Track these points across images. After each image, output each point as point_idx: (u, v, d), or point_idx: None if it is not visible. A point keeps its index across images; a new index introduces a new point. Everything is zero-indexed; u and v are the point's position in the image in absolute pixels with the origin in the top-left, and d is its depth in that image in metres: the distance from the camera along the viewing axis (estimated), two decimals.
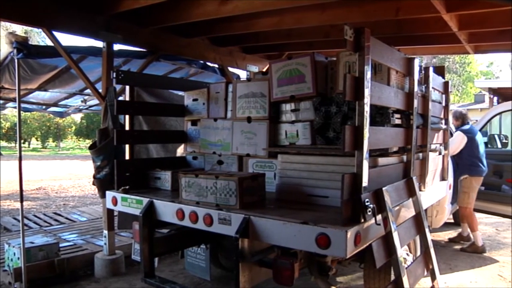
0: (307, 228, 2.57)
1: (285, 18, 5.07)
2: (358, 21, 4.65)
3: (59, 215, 7.64)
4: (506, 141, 6.97)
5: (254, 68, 6.97)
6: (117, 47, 5.13)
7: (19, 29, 24.41)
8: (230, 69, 7.05)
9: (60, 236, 6.01)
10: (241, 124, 3.95)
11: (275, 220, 2.74)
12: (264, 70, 6.51)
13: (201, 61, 6.60)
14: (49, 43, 4.88)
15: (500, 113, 7.03)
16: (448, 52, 11.22)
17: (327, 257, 3.27)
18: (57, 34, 4.60)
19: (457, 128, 6.01)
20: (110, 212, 4.83)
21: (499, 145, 6.89)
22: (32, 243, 4.77)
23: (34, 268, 4.55)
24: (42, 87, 6.52)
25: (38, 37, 29.18)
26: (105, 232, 4.94)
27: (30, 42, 4.68)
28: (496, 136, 7.23)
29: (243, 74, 7.41)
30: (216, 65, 6.85)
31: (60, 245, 5.15)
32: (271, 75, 3.71)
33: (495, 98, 14.58)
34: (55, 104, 8.24)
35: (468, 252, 5.86)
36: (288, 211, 2.96)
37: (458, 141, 5.78)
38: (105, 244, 4.97)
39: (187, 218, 3.24)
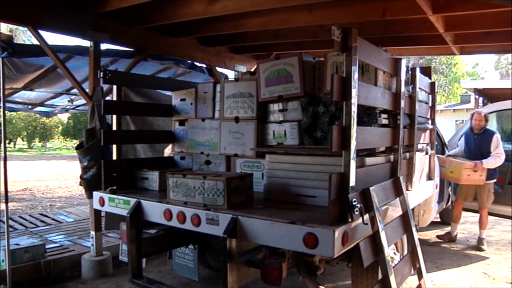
0: (295, 228, 2.58)
1: (273, 19, 5.08)
2: (345, 21, 4.67)
3: (46, 216, 7.55)
4: None
5: (242, 68, 6.97)
6: (104, 46, 5.09)
7: (4, 28, 24.16)
8: (218, 69, 7.04)
9: (47, 237, 5.95)
10: (229, 124, 3.95)
11: (263, 220, 2.74)
12: (252, 70, 6.51)
13: (189, 61, 6.58)
14: (35, 42, 4.82)
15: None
16: (434, 53, 11.36)
17: (315, 257, 3.28)
18: (43, 33, 4.56)
19: (487, 129, 5.94)
20: (97, 212, 4.79)
21: None
22: (18, 244, 4.72)
23: (19, 270, 4.50)
24: (27, 87, 6.45)
25: (24, 35, 28.89)
26: (92, 233, 4.91)
27: (15, 41, 4.63)
28: None
29: (231, 74, 7.41)
30: (204, 65, 6.84)
31: (47, 246, 5.10)
32: (259, 75, 3.71)
33: (481, 99, 14.78)
34: (41, 104, 8.15)
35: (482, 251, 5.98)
36: (276, 211, 2.97)
37: (501, 143, 5.82)
38: (92, 245, 4.93)
39: (174, 218, 3.23)
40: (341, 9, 4.68)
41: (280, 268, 2.89)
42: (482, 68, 43.04)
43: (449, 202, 6.53)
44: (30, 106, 8.42)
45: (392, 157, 3.60)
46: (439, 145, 6.34)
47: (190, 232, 3.26)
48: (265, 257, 3.04)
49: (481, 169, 5.60)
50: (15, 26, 25.23)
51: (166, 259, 4.89)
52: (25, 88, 6.49)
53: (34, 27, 4.42)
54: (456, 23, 4.88)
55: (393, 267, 3.06)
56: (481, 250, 5.98)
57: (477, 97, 14.98)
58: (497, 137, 5.76)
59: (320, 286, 3.45)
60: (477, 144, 5.88)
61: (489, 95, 14.26)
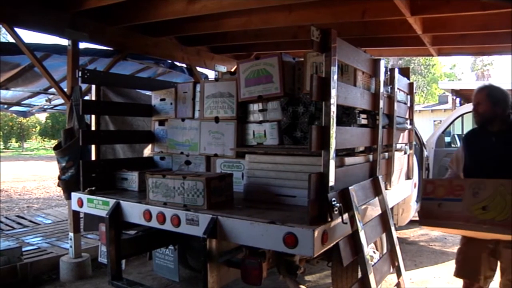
0: (275, 228, 2.58)
1: (253, 19, 5.09)
2: (325, 22, 4.71)
3: (23, 218, 7.41)
4: None
5: (222, 68, 6.96)
6: (83, 45, 5.04)
7: None
8: (198, 69, 7.02)
9: (23, 239, 5.84)
10: (209, 124, 3.94)
11: (243, 220, 2.74)
12: (232, 70, 6.50)
13: (169, 61, 6.55)
14: (11, 39, 4.73)
15: (462, 115, 7.27)
16: (413, 54, 11.52)
17: (295, 256, 3.29)
18: (19, 31, 4.48)
19: None
20: (75, 214, 4.72)
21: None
22: None
23: None
24: (3, 86, 6.33)
25: None
26: (71, 234, 4.84)
27: None
28: (458, 136, 7.50)
29: (211, 74, 7.39)
30: (184, 65, 6.81)
31: (23, 249, 5.01)
32: (239, 75, 3.71)
33: (458, 99, 15.07)
34: (18, 103, 8.01)
35: None
36: (256, 211, 2.97)
37: None
38: (70, 247, 4.87)
39: (154, 219, 3.20)
40: (321, 9, 4.71)
41: (260, 268, 2.88)
42: (459, 70, 43.78)
43: None
44: (6, 106, 8.27)
45: (371, 156, 3.63)
46: (418, 145, 6.43)
47: (170, 233, 3.24)
48: (245, 257, 3.04)
49: None
50: None
51: (146, 260, 4.85)
52: (0, 87, 6.36)
53: (9, 24, 4.34)
54: (434, 25, 4.96)
55: (373, 265, 3.09)
56: None
57: (454, 97, 15.28)
58: None
59: (301, 286, 3.47)
60: (499, 150, 2.99)
61: (465, 96, 14.53)
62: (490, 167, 2.94)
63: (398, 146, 4.48)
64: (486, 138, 3.05)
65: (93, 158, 4.42)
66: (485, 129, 3.08)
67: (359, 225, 2.89)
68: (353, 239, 2.89)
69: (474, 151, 3.15)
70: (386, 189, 3.76)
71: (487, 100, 3.00)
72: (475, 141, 3.19)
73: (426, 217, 2.92)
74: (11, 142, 38.00)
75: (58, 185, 4.73)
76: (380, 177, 3.55)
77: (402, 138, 4.56)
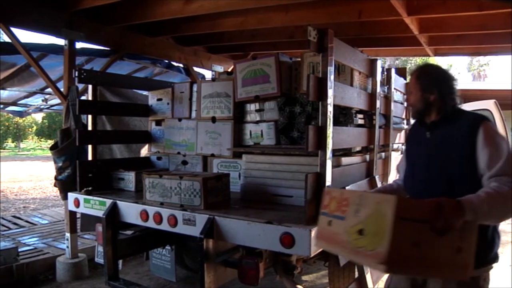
0: (272, 228, 2.59)
1: (250, 19, 5.09)
2: (322, 22, 4.71)
3: (19, 218, 7.39)
4: None
5: (219, 68, 6.96)
6: (79, 45, 5.01)
7: None
8: (195, 68, 7.01)
9: (20, 240, 5.82)
10: (206, 124, 3.94)
11: (240, 220, 2.75)
12: (229, 70, 6.50)
13: (166, 61, 6.54)
14: (7, 39, 4.72)
15: None
16: (409, 54, 11.53)
17: (292, 256, 3.29)
18: (15, 30, 4.47)
19: (463, 112, 2.50)
20: (72, 214, 4.71)
21: None
22: None
23: None
24: None
25: None
26: (67, 234, 4.82)
27: None
28: None
29: (208, 74, 7.38)
30: (181, 65, 6.80)
31: (20, 249, 4.99)
32: (236, 75, 3.71)
33: None
34: (14, 103, 7.98)
35: None
36: (253, 211, 2.98)
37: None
38: (67, 247, 4.85)
39: (151, 219, 3.20)
40: (317, 10, 4.71)
41: (257, 268, 2.89)
42: (455, 70, 43.81)
43: None
44: (2, 106, 8.24)
45: (368, 156, 3.65)
46: None
47: (167, 233, 3.24)
48: (242, 257, 3.04)
49: (455, 222, 1.68)
50: None
51: (143, 261, 4.85)
52: None
53: (5, 24, 4.32)
54: (430, 25, 4.97)
55: None
56: None
57: None
58: (492, 128, 2.10)
59: (298, 286, 3.47)
60: (429, 148, 2.25)
61: (462, 96, 14.57)
62: (420, 172, 2.25)
63: (395, 146, 4.50)
64: (420, 133, 2.30)
65: (90, 158, 4.41)
66: (422, 123, 2.29)
67: None
68: None
69: (408, 150, 2.49)
70: None
71: (416, 85, 2.23)
72: (411, 138, 2.50)
73: (318, 237, 2.16)
74: (7, 142, 37.89)
75: (55, 185, 4.71)
76: (377, 177, 3.56)
77: (399, 138, 4.58)
